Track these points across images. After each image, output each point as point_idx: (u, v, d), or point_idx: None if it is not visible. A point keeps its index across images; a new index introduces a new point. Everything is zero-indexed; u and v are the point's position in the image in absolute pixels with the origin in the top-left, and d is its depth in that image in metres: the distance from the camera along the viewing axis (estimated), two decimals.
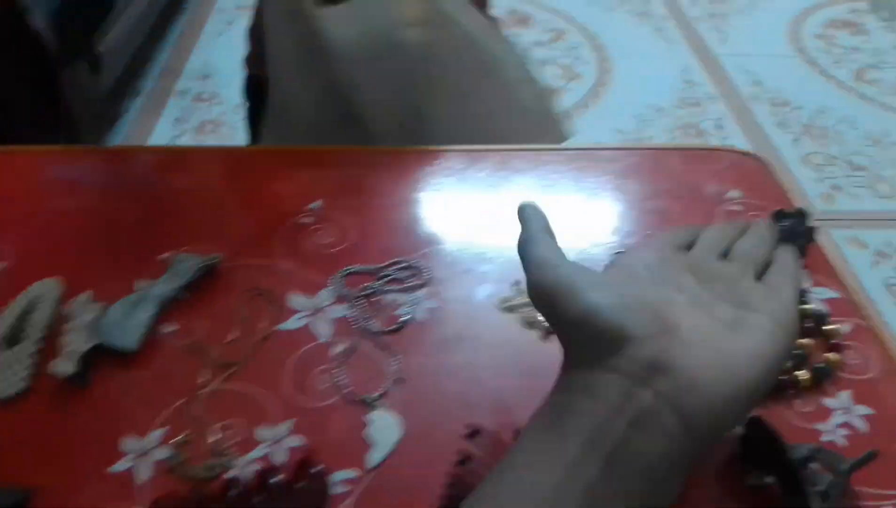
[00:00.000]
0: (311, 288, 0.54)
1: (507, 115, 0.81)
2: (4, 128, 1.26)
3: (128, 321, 0.46)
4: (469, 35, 0.76)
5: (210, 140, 1.76)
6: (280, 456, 0.43)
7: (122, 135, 1.73)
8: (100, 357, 0.47)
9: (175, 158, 0.69)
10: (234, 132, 1.74)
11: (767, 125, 1.94)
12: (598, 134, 1.81)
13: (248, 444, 0.43)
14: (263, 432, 0.44)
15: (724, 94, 2.02)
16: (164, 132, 1.78)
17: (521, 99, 0.82)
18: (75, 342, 0.44)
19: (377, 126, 0.76)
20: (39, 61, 1.20)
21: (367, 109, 0.76)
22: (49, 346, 0.47)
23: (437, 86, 0.76)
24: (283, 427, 0.44)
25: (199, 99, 1.86)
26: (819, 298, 0.54)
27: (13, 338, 0.46)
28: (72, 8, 1.03)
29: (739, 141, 1.84)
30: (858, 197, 1.72)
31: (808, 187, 1.67)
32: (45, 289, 0.50)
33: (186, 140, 1.75)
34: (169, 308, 0.51)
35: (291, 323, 0.51)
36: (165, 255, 0.55)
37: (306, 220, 0.60)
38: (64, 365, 0.43)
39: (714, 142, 1.80)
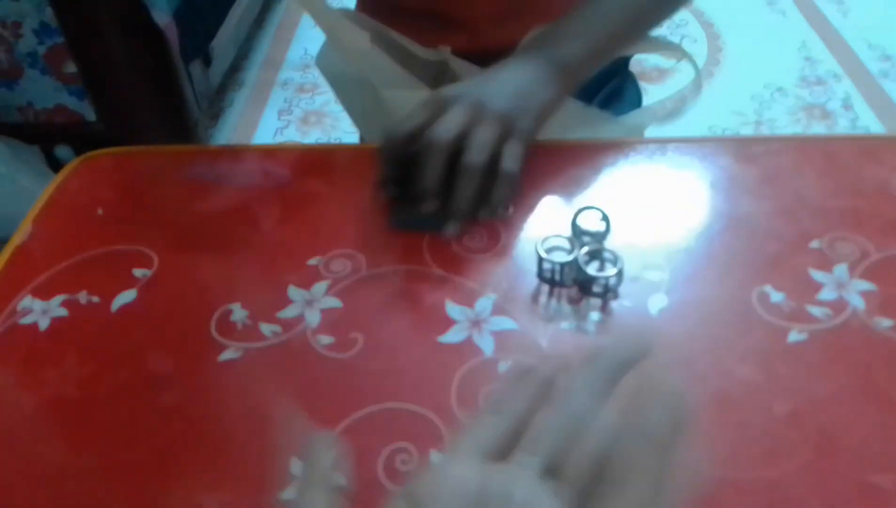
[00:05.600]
0: (468, 298, 0.50)
1: None
2: (126, 120, 1.29)
3: None
4: None
5: (314, 131, 1.76)
6: None
7: (230, 127, 1.76)
8: None
9: (312, 157, 0.67)
10: (337, 122, 1.74)
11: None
12: (715, 117, 1.71)
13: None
14: (438, 457, 0.41)
15: (849, 71, 1.87)
16: (270, 124, 1.79)
17: None
18: None
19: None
20: (161, 57, 1.22)
21: None
22: None
23: None
24: None
25: (302, 90, 1.87)
26: None
27: None
28: (194, 6, 1.04)
29: (872, 122, 1.69)
30: None
31: None
32: None
33: (291, 131, 1.76)
34: (323, 317, 0.49)
35: (452, 335, 0.48)
36: (315, 260, 0.53)
37: None
38: None
39: (843, 123, 1.66)
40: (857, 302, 0.49)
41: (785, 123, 1.70)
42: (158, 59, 1.25)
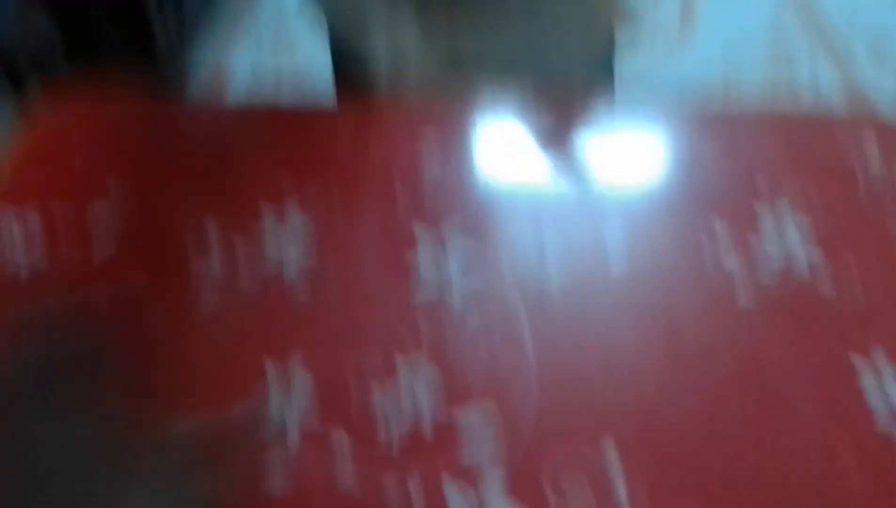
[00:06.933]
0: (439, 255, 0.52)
1: None
2: (91, 43, 1.26)
3: None
4: None
5: (286, 55, 1.75)
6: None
7: (205, 50, 1.74)
8: None
9: (272, 117, 0.65)
10: (314, 55, 1.73)
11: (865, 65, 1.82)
12: (686, 69, 1.75)
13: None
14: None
15: (815, 34, 1.91)
16: (246, 47, 1.79)
17: None
18: None
19: None
20: None
21: None
22: None
23: None
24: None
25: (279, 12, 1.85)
26: None
27: None
28: None
29: (836, 88, 1.74)
30: None
31: None
32: None
33: (266, 54, 1.77)
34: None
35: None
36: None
37: (428, 173, 0.57)
38: None
39: (810, 91, 1.71)
40: (803, 270, 0.52)
41: (755, 88, 1.73)
42: None
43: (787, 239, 0.54)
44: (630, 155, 0.60)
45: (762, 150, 0.62)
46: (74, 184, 0.57)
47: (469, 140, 0.61)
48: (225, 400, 0.42)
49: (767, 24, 1.96)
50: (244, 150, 0.59)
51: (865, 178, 0.59)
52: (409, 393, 0.44)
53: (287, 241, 0.52)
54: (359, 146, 0.60)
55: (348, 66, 0.74)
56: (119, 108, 0.64)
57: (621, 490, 0.40)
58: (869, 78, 1.82)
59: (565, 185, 0.57)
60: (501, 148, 0.60)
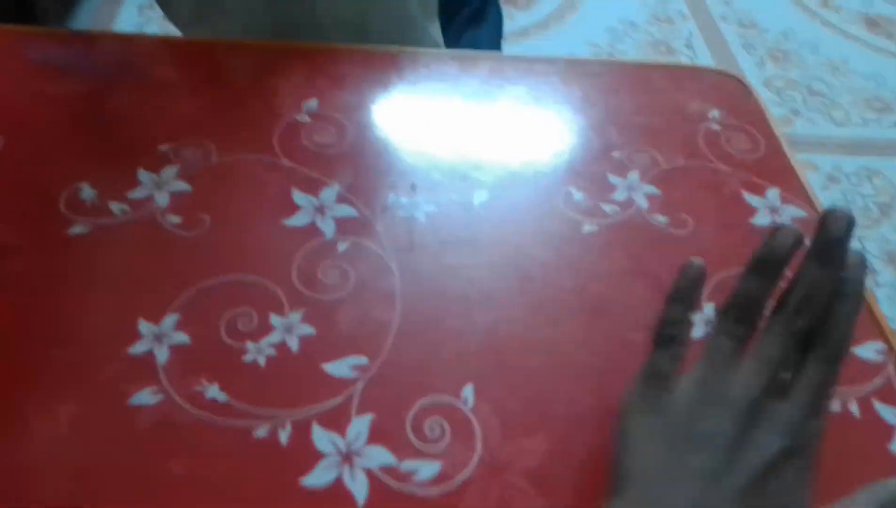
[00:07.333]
0: (314, 187, 0.55)
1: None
2: None
3: None
4: None
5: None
6: (293, 343, 0.46)
7: (85, 20, 1.64)
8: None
9: (165, 48, 0.68)
10: None
11: (734, 46, 1.96)
12: (572, 46, 1.81)
13: (263, 330, 0.46)
14: (276, 320, 0.46)
15: (694, 12, 2.02)
16: (129, 19, 1.69)
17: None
18: None
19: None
20: None
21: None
22: None
23: None
24: (295, 317, 0.47)
25: None
26: (788, 216, 0.59)
27: None
28: None
29: (707, 61, 1.86)
30: (814, 122, 1.77)
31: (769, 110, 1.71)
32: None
33: (153, 28, 1.68)
34: (172, 200, 0.52)
35: (296, 219, 0.53)
36: (165, 147, 0.56)
37: (303, 118, 0.60)
38: None
39: (684, 61, 1.82)
40: (642, 202, 0.58)
41: (634, 56, 1.83)
42: None
43: (631, 175, 0.60)
44: (500, 100, 0.65)
45: (617, 95, 0.68)
46: None
47: (350, 99, 0.63)
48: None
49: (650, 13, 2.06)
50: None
51: (705, 123, 0.66)
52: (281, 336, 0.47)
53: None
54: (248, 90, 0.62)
55: None
56: None
57: (477, 426, 0.44)
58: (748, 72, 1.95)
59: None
60: (380, 111, 0.63)
